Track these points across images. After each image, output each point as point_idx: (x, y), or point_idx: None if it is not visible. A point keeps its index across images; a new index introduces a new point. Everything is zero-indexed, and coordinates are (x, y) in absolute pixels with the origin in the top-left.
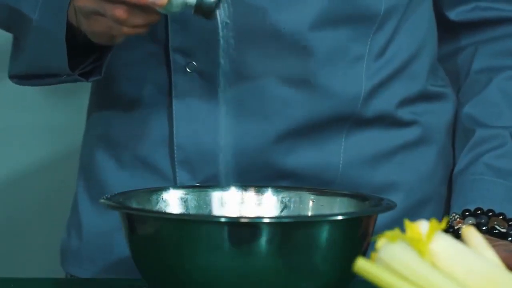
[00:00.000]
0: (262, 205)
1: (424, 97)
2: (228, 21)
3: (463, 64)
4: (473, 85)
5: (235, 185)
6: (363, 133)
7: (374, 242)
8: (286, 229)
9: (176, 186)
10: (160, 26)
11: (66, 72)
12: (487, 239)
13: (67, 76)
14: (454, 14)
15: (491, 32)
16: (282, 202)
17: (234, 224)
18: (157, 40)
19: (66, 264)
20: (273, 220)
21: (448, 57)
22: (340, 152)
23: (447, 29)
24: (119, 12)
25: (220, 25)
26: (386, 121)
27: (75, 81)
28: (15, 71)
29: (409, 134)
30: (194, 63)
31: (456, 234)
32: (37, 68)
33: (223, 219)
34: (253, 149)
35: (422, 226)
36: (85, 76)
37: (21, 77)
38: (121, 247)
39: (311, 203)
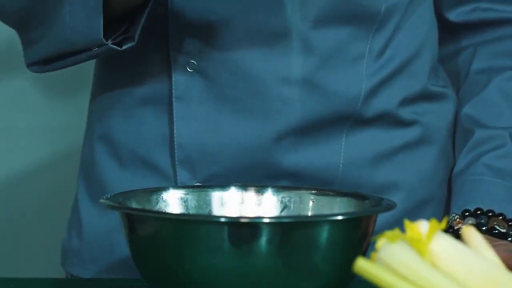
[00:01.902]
0: (262, 205)
1: (425, 97)
2: None
3: (463, 64)
4: (473, 86)
5: (235, 185)
6: (363, 132)
7: (374, 242)
8: (286, 229)
9: (176, 186)
10: (160, 25)
11: (99, 42)
12: (487, 239)
13: (98, 48)
14: (454, 15)
15: (491, 33)
16: (282, 202)
17: (234, 224)
18: (157, 39)
19: (67, 264)
20: (273, 220)
21: (448, 58)
22: (340, 152)
23: (447, 30)
24: None
25: None
26: (387, 120)
27: (105, 54)
28: (34, 57)
29: (409, 134)
30: (195, 62)
31: (456, 234)
32: (67, 45)
33: (223, 219)
34: (253, 148)
35: (422, 226)
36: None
37: (43, 62)
38: (122, 247)
39: (311, 203)
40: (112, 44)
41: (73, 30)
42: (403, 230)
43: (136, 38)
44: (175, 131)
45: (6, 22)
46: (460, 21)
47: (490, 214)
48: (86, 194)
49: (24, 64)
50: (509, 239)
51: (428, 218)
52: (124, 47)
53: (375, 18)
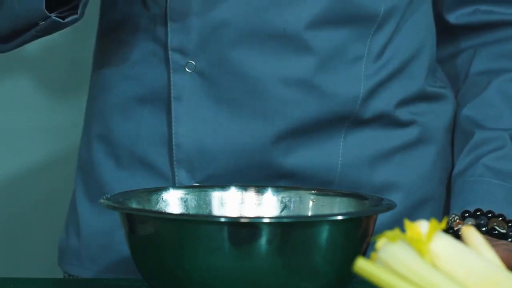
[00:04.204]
0: (262, 205)
1: (423, 97)
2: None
3: (462, 66)
4: (472, 87)
5: (235, 185)
6: (361, 133)
7: (374, 242)
8: (286, 229)
9: (176, 186)
10: (159, 25)
11: (42, 14)
12: (486, 239)
13: (44, 22)
14: (454, 17)
15: (490, 35)
16: (282, 202)
17: (234, 224)
18: (156, 39)
19: (64, 263)
20: (273, 220)
21: (448, 60)
22: (338, 152)
23: (447, 32)
24: None
25: None
26: (385, 121)
27: (51, 28)
28: None
29: (407, 134)
30: (193, 62)
31: (456, 235)
32: (16, 21)
33: (223, 219)
34: (252, 149)
35: (422, 226)
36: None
37: (1, 41)
38: (121, 246)
39: (311, 203)
40: (56, 17)
41: (20, 4)
42: (403, 230)
43: (79, 11)
44: (173, 131)
45: None
46: (460, 23)
47: (490, 215)
48: (83, 193)
49: (24, 64)
50: (509, 239)
51: (426, 218)
52: (66, 20)
53: (374, 20)
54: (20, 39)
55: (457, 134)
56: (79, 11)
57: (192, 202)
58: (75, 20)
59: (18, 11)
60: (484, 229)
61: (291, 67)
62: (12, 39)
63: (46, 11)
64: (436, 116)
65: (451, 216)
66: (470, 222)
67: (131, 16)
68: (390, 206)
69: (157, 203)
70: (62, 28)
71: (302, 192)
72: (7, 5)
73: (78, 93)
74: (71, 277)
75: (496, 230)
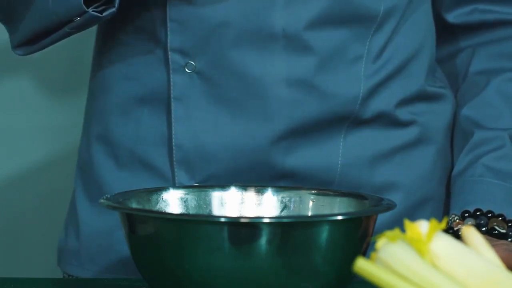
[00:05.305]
0: (262, 205)
1: (422, 97)
2: None
3: (461, 66)
4: (471, 87)
5: (235, 185)
6: (361, 133)
7: (374, 242)
8: (286, 229)
9: (176, 186)
10: (159, 26)
11: (79, 9)
12: (486, 239)
13: (80, 18)
14: (453, 17)
15: (489, 35)
16: (282, 202)
17: (234, 224)
18: (156, 39)
19: (64, 263)
20: (273, 220)
21: (447, 59)
22: (338, 152)
23: (446, 31)
24: None
25: None
26: (385, 121)
27: (86, 24)
28: (19, 38)
29: (407, 134)
30: (193, 63)
31: (456, 235)
32: (49, 18)
33: (223, 219)
34: (252, 149)
35: (422, 226)
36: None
37: (28, 42)
38: (121, 246)
39: (311, 203)
40: (93, 11)
41: (54, 1)
42: (403, 230)
43: (116, 4)
44: (173, 131)
45: None
46: (458, 23)
47: (490, 215)
48: (83, 194)
49: (24, 64)
50: (509, 239)
51: (426, 218)
52: (104, 14)
53: (374, 20)
54: (49, 39)
55: (456, 134)
56: (116, 4)
57: (192, 202)
58: (112, 14)
59: (52, 9)
60: (484, 229)
61: (291, 67)
62: (39, 40)
63: (84, 6)
64: (436, 116)
65: (451, 216)
66: (470, 222)
67: (131, 16)
68: (390, 206)
69: (157, 203)
70: (95, 24)
71: (302, 192)
72: (37, 4)
73: (78, 93)
74: (70, 277)
75: (496, 230)
